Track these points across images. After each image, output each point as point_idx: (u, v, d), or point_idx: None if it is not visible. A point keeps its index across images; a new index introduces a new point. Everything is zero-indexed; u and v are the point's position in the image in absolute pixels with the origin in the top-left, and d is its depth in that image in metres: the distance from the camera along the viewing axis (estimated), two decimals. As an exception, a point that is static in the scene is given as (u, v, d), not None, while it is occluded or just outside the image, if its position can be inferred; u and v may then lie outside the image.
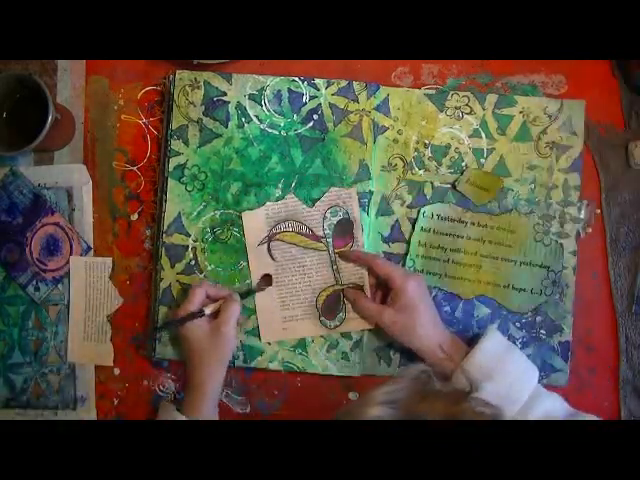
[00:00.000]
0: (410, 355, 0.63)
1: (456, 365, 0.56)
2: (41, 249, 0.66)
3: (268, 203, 0.63)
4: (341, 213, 0.62)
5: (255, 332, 0.63)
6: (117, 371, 0.65)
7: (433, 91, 0.65)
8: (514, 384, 0.56)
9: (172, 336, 0.63)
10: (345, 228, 0.62)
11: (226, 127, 0.64)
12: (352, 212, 0.62)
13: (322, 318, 0.62)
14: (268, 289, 0.62)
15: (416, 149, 0.64)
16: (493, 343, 0.57)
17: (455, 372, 0.56)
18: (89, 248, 0.66)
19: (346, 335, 0.62)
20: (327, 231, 0.62)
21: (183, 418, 0.58)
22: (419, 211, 0.64)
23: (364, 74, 0.65)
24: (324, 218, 0.62)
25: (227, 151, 0.64)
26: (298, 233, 0.62)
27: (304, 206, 0.63)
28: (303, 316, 0.63)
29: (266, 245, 0.62)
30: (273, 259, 0.62)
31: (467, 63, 0.66)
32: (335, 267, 0.62)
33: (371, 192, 0.63)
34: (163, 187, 0.64)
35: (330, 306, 0.62)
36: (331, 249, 0.62)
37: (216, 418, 0.61)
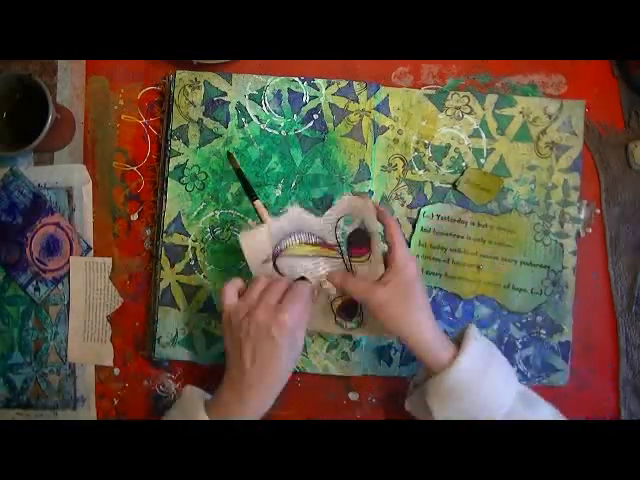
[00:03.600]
0: (411, 354, 0.63)
1: (440, 368, 0.51)
2: (41, 249, 0.66)
3: (269, 220, 0.55)
4: (357, 222, 0.57)
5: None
6: (117, 371, 0.65)
7: (433, 91, 0.65)
8: (485, 406, 0.51)
9: (172, 336, 0.63)
10: (361, 238, 0.56)
11: (226, 127, 0.64)
12: (369, 223, 0.56)
13: (337, 319, 0.58)
14: None
15: (416, 149, 0.64)
16: (470, 361, 0.51)
17: (432, 380, 0.52)
18: (89, 248, 0.66)
19: (346, 335, 0.62)
20: (340, 239, 0.57)
21: (205, 418, 0.51)
22: (419, 211, 0.64)
23: (364, 74, 0.65)
24: (336, 227, 0.57)
25: (227, 151, 0.64)
26: (307, 243, 0.57)
27: (312, 216, 0.57)
28: (318, 315, 0.58)
29: (271, 263, 0.56)
30: (281, 274, 0.56)
31: (467, 63, 0.66)
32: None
33: (371, 192, 0.63)
34: (163, 187, 0.64)
35: (346, 311, 0.58)
36: (346, 257, 0.57)
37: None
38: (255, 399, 0.52)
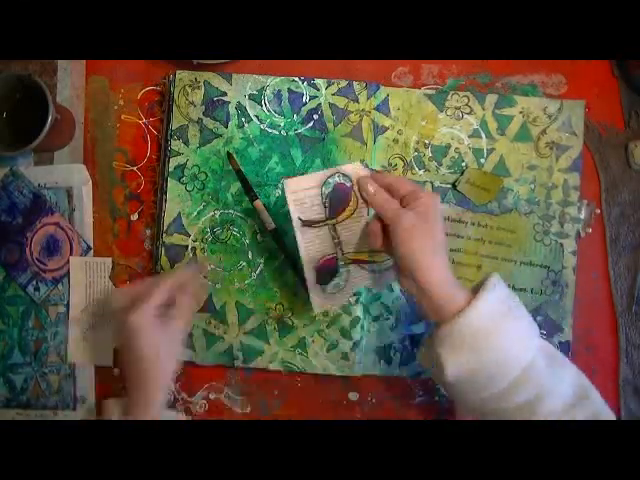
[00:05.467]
0: (411, 354, 0.63)
1: (452, 313, 0.47)
2: (41, 249, 0.66)
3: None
4: (334, 180, 0.54)
5: (255, 332, 0.63)
6: (117, 371, 0.65)
7: (433, 91, 0.65)
8: (502, 359, 0.47)
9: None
10: (340, 194, 0.54)
11: (226, 127, 0.64)
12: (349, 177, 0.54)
13: (317, 284, 0.57)
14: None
15: (416, 149, 0.64)
16: (492, 301, 0.48)
17: (444, 327, 0.48)
18: (89, 248, 0.66)
19: (346, 335, 0.62)
20: (326, 204, 0.55)
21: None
22: (419, 211, 0.64)
23: (364, 74, 0.65)
24: (321, 194, 0.54)
25: (227, 151, 0.64)
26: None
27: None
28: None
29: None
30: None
31: (467, 63, 0.66)
32: (337, 240, 0.56)
33: (371, 192, 0.63)
34: (163, 187, 0.64)
35: (326, 271, 0.56)
36: (329, 221, 0.55)
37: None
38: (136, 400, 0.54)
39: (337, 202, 0.54)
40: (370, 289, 0.63)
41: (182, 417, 0.63)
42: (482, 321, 0.47)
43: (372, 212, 0.54)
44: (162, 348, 0.53)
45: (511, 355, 0.47)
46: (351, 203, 0.54)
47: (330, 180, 0.54)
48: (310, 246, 0.55)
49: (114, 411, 0.56)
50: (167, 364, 0.54)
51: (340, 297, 0.58)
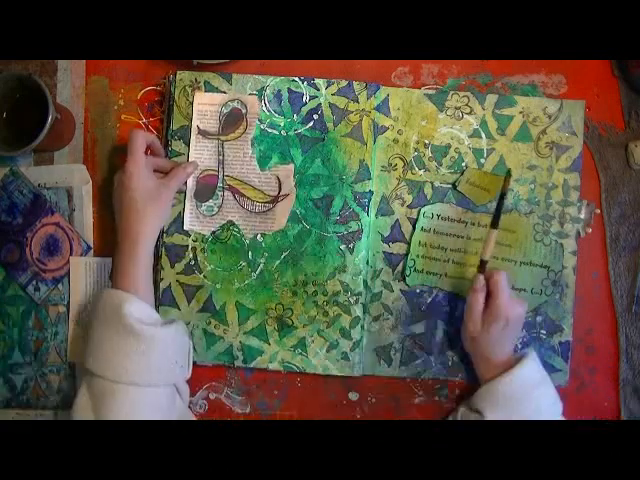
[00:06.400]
0: (411, 354, 0.63)
1: (484, 380, 0.59)
2: (41, 249, 0.66)
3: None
4: (233, 105, 0.64)
5: (255, 332, 0.63)
6: (117, 371, 0.65)
7: (433, 91, 0.65)
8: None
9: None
10: (234, 117, 0.64)
11: (226, 127, 0.64)
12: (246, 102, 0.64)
13: (194, 198, 0.64)
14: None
15: (416, 149, 0.64)
16: (529, 371, 0.57)
17: (479, 391, 0.58)
18: (89, 248, 0.66)
19: (346, 335, 0.62)
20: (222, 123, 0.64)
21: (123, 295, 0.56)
22: (419, 211, 0.64)
23: (364, 74, 0.65)
24: (220, 112, 0.64)
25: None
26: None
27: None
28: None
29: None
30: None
31: (467, 63, 0.66)
32: (221, 157, 0.63)
33: (371, 192, 0.63)
34: (163, 187, 0.64)
35: (205, 187, 0.64)
36: (220, 137, 0.64)
37: (151, 292, 0.59)
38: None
39: (230, 122, 0.64)
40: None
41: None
42: (517, 384, 0.56)
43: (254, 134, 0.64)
44: (151, 195, 0.59)
45: (543, 414, 0.56)
46: (241, 127, 0.63)
47: (230, 103, 0.64)
48: (199, 156, 0.63)
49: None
50: (154, 213, 0.59)
51: (210, 223, 0.63)
